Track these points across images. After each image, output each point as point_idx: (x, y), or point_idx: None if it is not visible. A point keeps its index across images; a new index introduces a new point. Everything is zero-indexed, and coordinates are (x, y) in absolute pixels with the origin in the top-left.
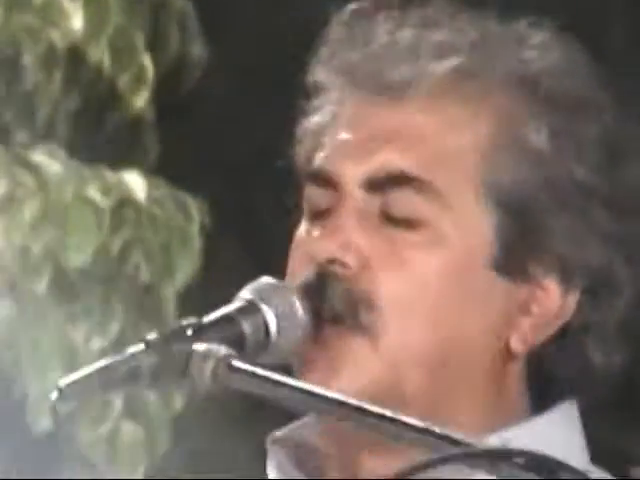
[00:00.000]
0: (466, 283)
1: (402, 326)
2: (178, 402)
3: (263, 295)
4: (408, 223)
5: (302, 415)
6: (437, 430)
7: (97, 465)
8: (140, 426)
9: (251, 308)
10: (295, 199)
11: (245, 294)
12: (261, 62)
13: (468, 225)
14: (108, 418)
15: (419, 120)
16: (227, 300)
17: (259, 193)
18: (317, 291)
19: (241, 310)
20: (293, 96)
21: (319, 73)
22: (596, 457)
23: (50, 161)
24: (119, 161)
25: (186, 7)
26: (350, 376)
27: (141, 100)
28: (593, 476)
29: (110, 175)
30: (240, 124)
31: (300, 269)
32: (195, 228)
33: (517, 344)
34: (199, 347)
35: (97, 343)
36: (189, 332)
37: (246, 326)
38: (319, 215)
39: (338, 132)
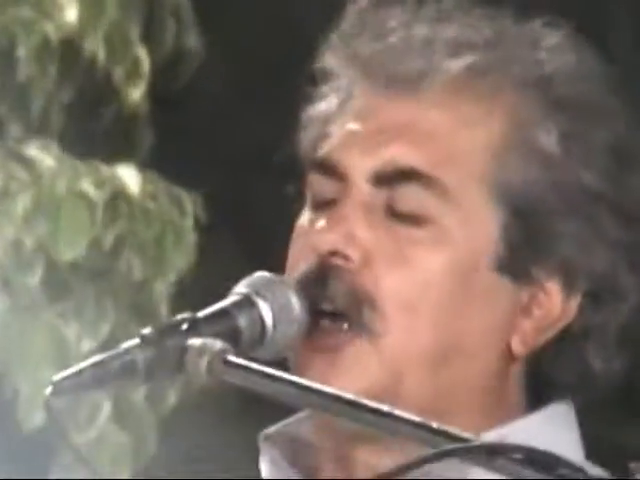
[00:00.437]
0: (469, 283)
1: (404, 326)
2: (167, 403)
3: (259, 289)
4: (414, 219)
5: (298, 410)
6: (434, 425)
7: (90, 463)
8: (126, 430)
9: (247, 302)
10: (297, 187)
11: (241, 288)
12: (257, 55)
13: (474, 224)
14: (96, 421)
15: (432, 116)
16: (222, 295)
17: (254, 187)
18: (317, 283)
19: (237, 304)
20: (290, 89)
21: (329, 60)
22: (594, 453)
23: (43, 155)
24: (113, 155)
25: None
26: (351, 376)
27: (136, 93)
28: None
29: (104, 169)
30: (236, 118)
31: (301, 260)
32: (189, 223)
33: (518, 346)
34: (194, 342)
35: (89, 340)
36: (184, 326)
37: (242, 320)
38: (323, 205)
39: (347, 122)
